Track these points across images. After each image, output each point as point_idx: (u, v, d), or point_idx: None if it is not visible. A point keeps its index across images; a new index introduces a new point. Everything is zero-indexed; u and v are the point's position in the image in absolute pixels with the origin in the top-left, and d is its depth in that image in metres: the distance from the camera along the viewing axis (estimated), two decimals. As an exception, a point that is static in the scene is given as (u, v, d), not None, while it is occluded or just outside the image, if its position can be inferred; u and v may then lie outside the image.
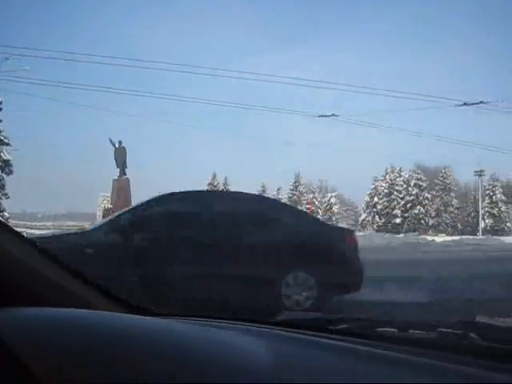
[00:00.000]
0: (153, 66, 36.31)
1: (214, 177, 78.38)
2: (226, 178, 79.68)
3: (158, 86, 70.28)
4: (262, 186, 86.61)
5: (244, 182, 79.45)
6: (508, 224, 74.69)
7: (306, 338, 1.22)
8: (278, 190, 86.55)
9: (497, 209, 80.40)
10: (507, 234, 66.50)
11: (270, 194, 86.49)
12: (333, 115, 31.68)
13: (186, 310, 1.51)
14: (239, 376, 0.91)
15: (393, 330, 1.31)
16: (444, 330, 1.23)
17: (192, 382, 0.87)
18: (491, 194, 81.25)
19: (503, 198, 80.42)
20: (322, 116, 32.40)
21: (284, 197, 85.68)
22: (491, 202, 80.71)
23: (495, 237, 45.26)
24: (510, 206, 70.97)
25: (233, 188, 55.38)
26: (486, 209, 78.69)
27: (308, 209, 65.12)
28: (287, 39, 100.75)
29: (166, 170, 78.94)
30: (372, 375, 0.97)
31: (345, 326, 1.36)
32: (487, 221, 77.76)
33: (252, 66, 70.69)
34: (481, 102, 29.93)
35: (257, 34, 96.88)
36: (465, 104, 30.36)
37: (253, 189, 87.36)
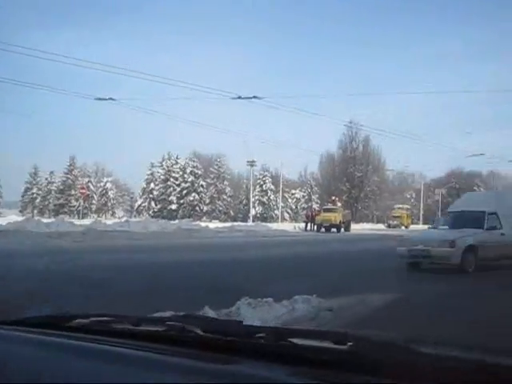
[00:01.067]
0: None
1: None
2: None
3: None
4: (34, 168, 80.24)
5: (12, 166, 72.13)
6: (276, 212, 79.82)
7: (30, 336, 1.21)
8: (51, 173, 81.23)
9: (266, 197, 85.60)
10: (274, 221, 71.08)
11: (43, 177, 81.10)
12: (110, 99, 30.74)
13: None
14: None
15: (125, 325, 1.33)
16: (170, 323, 1.28)
17: None
18: (262, 183, 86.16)
19: (272, 187, 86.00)
20: (99, 99, 31.37)
21: (57, 181, 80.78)
22: (262, 191, 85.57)
23: (264, 223, 47.53)
24: (277, 194, 75.80)
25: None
26: (257, 197, 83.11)
27: (82, 193, 61.63)
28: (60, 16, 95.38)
29: None
30: (86, 372, 0.98)
31: (76, 322, 1.35)
32: (257, 208, 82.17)
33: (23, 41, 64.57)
34: (254, 97, 31.58)
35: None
36: (239, 97, 31.81)
37: (23, 172, 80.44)
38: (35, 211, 78.31)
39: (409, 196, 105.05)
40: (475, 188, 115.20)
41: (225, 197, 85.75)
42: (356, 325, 4.95)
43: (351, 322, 5.13)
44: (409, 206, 78.37)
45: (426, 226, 70.88)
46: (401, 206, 73.60)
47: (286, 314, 5.09)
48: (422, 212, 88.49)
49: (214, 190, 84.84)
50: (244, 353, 1.04)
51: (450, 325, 5.04)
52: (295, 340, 1.05)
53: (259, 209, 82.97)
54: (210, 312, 4.44)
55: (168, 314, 3.00)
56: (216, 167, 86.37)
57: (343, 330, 1.22)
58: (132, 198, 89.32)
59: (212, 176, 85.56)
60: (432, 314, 5.75)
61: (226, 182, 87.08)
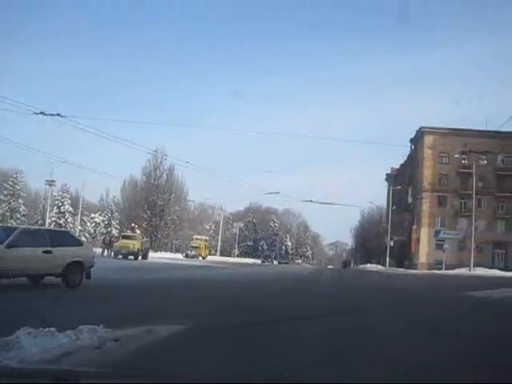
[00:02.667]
0: None
1: None
2: None
3: None
4: None
5: None
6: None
7: None
8: None
9: (64, 219, 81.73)
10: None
11: None
12: None
13: None
14: None
15: None
16: None
17: None
18: (60, 204, 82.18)
19: (71, 209, 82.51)
20: None
21: None
22: (59, 212, 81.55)
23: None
24: (76, 217, 72.89)
25: None
26: (54, 218, 78.99)
27: None
28: None
29: None
30: None
31: None
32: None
33: None
34: (58, 115, 29.83)
35: None
36: (42, 113, 29.80)
37: None
38: None
39: (208, 227, 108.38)
40: (270, 224, 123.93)
41: (18, 216, 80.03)
42: (139, 355, 5.21)
43: (135, 352, 5.32)
44: (207, 238, 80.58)
45: (223, 258, 74.60)
46: (200, 236, 75.29)
47: (68, 343, 5.18)
48: (220, 243, 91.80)
49: (6, 208, 78.76)
50: None
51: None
52: None
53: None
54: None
55: None
56: (11, 183, 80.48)
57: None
58: None
59: (6, 192, 79.53)
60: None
61: (20, 201, 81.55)
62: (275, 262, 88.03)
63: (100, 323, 5.67)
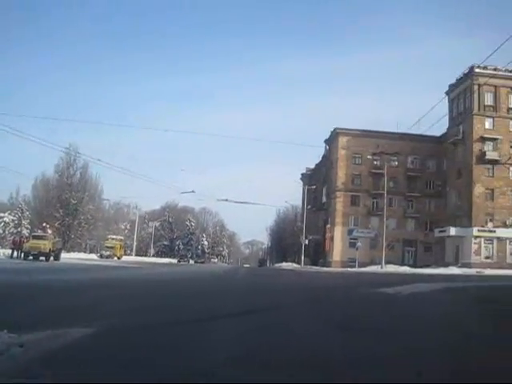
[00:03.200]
0: None
1: None
2: None
3: None
4: None
5: None
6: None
7: None
8: None
9: (-33, 219, 77.32)
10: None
11: None
12: None
13: None
14: None
15: None
16: None
17: None
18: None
19: (-25, 208, 78.12)
20: None
21: None
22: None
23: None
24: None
25: None
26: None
27: None
28: None
29: None
30: None
31: None
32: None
33: None
34: None
35: None
36: None
37: None
38: None
39: (123, 227, 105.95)
40: (187, 223, 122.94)
41: None
42: (43, 361, 4.94)
43: (39, 357, 5.06)
44: (122, 237, 78.92)
45: (139, 258, 73.13)
46: (115, 236, 73.64)
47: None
48: (135, 243, 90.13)
49: None
50: None
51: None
52: None
53: None
54: None
55: None
56: None
57: None
58: None
59: None
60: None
61: None
62: (191, 262, 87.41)
63: (4, 328, 5.32)
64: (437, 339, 6.56)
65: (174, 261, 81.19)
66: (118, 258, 62.38)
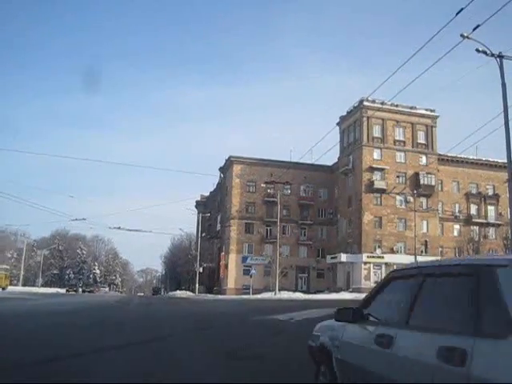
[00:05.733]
0: None
1: None
2: None
3: None
4: None
5: None
6: None
7: None
8: None
9: None
10: None
11: None
12: None
13: None
14: None
15: None
16: None
17: None
18: None
19: None
20: None
21: None
22: None
23: None
24: None
25: None
26: None
27: None
28: None
29: None
30: None
31: None
32: None
33: None
34: None
35: None
36: None
37: None
38: None
39: (10, 255, 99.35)
40: (78, 251, 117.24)
41: None
42: None
43: None
44: (8, 266, 74.43)
45: (26, 288, 68.29)
46: (0, 266, 69.68)
47: None
48: (22, 272, 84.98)
49: None
50: None
51: None
52: None
53: None
54: None
55: None
56: None
57: None
58: None
59: None
60: None
61: None
62: (80, 291, 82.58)
63: None
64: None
65: (63, 290, 76.53)
66: (3, 289, 59.66)
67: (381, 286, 4.17)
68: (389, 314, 3.78)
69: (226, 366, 6.94)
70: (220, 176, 79.45)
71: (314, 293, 55.94)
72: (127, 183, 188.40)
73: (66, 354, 7.90)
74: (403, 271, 3.95)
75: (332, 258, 64.88)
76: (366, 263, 60.35)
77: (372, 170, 63.09)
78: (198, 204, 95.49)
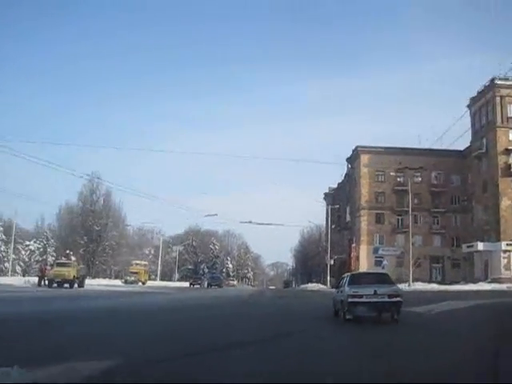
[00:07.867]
0: None
1: None
2: None
3: None
4: None
5: None
6: (6, 264, 73.36)
7: None
8: None
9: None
10: (5, 274, 65.19)
11: None
12: None
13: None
14: None
15: None
16: None
17: None
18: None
19: (3, 237, 79.14)
20: None
21: None
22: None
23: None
24: (9, 245, 69.73)
25: None
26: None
27: None
28: None
29: None
30: None
31: None
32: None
33: None
34: None
35: None
36: None
37: None
38: None
39: (147, 252, 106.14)
40: (211, 246, 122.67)
41: None
42: None
43: None
44: (147, 262, 78.73)
45: (163, 283, 71.77)
46: (139, 261, 73.24)
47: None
48: (160, 268, 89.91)
49: None
50: None
51: None
52: None
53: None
54: None
55: None
56: None
57: None
58: None
59: None
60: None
61: None
62: (205, 285, 69.44)
63: (15, 363, 4.85)
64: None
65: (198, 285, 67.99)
66: (143, 284, 62.12)
67: None
68: None
69: (373, 360, 7.01)
70: (347, 166, 79.19)
71: (450, 283, 54.09)
72: (257, 177, 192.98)
73: (223, 343, 8.44)
74: None
75: (468, 246, 62.22)
76: (505, 251, 57.13)
77: (508, 152, 59.45)
78: (327, 196, 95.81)
